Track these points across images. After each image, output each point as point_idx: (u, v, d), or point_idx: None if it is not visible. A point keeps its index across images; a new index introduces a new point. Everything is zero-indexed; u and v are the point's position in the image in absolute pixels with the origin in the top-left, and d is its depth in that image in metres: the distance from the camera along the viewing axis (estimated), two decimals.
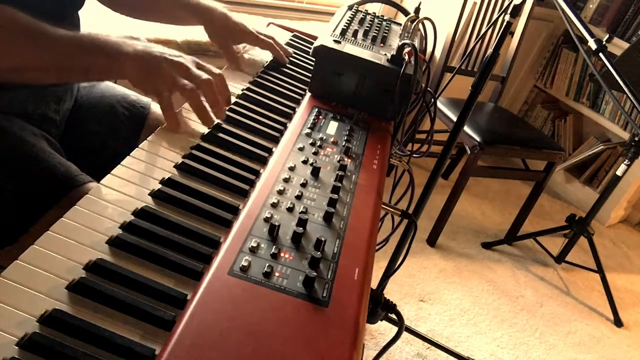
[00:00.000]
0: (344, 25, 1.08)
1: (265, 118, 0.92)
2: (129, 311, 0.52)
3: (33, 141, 0.85)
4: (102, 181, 0.67)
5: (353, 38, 1.03)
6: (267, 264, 0.57)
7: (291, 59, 1.19)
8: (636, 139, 1.95)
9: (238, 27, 1.11)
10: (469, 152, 2.07)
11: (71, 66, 0.77)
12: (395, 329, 0.93)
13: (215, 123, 0.83)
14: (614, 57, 1.98)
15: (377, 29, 1.14)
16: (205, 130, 0.82)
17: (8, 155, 0.81)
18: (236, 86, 1.01)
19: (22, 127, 0.86)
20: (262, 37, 1.13)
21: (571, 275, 2.32)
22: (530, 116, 3.13)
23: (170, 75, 0.78)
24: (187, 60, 0.82)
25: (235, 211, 0.68)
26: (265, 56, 1.17)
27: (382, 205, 0.88)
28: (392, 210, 0.97)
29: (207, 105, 0.80)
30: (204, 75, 0.81)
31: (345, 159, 0.81)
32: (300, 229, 0.62)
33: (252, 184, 0.74)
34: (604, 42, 1.10)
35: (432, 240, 2.19)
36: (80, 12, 0.99)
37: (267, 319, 0.51)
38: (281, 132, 0.88)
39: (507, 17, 1.24)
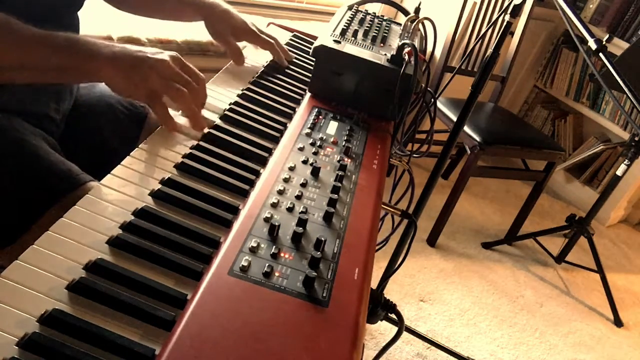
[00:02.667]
0: (344, 25, 1.08)
1: (265, 118, 0.92)
2: (129, 311, 0.52)
3: (33, 140, 0.85)
4: (102, 181, 0.67)
5: (353, 38, 1.03)
6: (267, 264, 0.57)
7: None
8: (636, 139, 1.95)
9: (239, 24, 1.10)
10: (469, 152, 2.07)
11: (44, 66, 0.74)
12: (395, 329, 0.93)
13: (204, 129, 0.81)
14: (614, 57, 1.98)
15: (377, 29, 1.14)
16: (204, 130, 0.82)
17: (8, 155, 0.81)
18: (236, 86, 1.01)
19: (21, 127, 0.86)
20: (263, 36, 1.12)
21: (571, 275, 2.32)
22: (530, 116, 3.13)
23: (158, 77, 0.76)
24: (172, 58, 0.79)
25: (235, 211, 0.68)
26: (261, 60, 1.16)
27: (382, 205, 0.88)
28: (392, 210, 0.97)
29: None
30: (192, 82, 0.79)
31: (345, 159, 0.81)
32: (300, 229, 0.62)
33: (252, 184, 0.74)
34: (604, 42, 1.10)
35: (432, 240, 2.19)
36: (81, 12, 0.99)
37: (267, 319, 0.51)
38: (281, 132, 0.88)
39: (507, 17, 1.24)
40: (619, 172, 2.02)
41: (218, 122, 0.86)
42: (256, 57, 1.17)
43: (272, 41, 1.13)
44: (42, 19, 0.88)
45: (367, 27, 1.13)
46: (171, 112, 0.81)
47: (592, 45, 1.10)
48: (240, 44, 1.17)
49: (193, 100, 0.79)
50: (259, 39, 1.12)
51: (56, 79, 0.78)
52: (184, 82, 0.78)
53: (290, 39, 1.33)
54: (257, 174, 0.76)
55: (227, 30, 1.09)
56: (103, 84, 1.09)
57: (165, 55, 0.78)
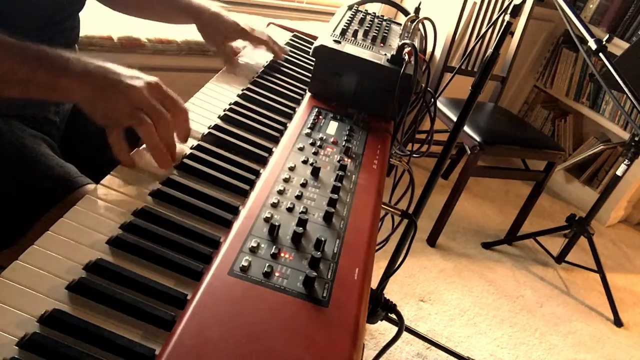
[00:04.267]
0: (344, 25, 1.08)
1: (265, 118, 0.92)
2: (129, 311, 0.52)
3: (32, 143, 0.84)
4: (102, 181, 0.67)
5: (353, 38, 1.03)
6: (267, 264, 0.57)
7: (291, 59, 1.19)
8: (636, 139, 1.95)
9: (230, 25, 1.10)
10: (469, 152, 2.06)
11: (10, 78, 0.67)
12: (395, 329, 0.93)
13: (170, 166, 0.73)
14: (614, 57, 1.98)
15: (377, 29, 1.14)
16: (204, 129, 0.82)
17: (7, 158, 0.81)
18: (236, 86, 1.01)
19: (20, 130, 0.86)
20: (256, 35, 1.12)
21: (571, 275, 2.32)
22: (530, 116, 3.13)
23: (124, 105, 0.69)
24: (147, 85, 0.71)
25: (235, 211, 0.68)
26: (261, 60, 1.17)
27: (382, 205, 0.88)
28: (392, 210, 0.97)
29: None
30: (164, 114, 0.71)
31: (345, 159, 0.81)
32: (300, 229, 0.62)
33: (252, 184, 0.74)
34: (604, 42, 1.10)
35: (432, 240, 2.18)
36: (81, 13, 0.99)
37: (267, 319, 0.51)
38: (281, 132, 0.88)
39: (507, 17, 1.23)
40: (619, 172, 2.02)
41: (218, 122, 0.86)
42: (256, 57, 1.17)
43: (265, 38, 1.14)
44: (44, 22, 0.88)
45: (367, 27, 1.13)
46: None
47: (592, 45, 1.10)
48: (240, 45, 1.18)
49: (163, 135, 0.70)
50: (251, 37, 1.12)
51: (23, 93, 0.70)
52: (153, 114, 0.70)
53: (290, 39, 1.33)
54: (257, 174, 0.76)
55: (218, 33, 1.09)
56: None
57: (142, 81, 0.71)
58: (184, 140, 0.76)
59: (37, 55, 0.69)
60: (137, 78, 0.71)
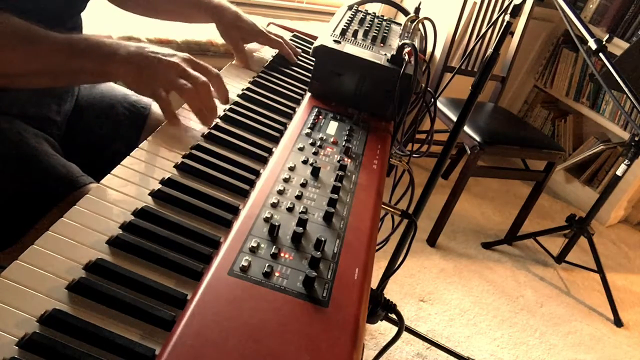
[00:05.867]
0: (344, 25, 1.08)
1: (265, 118, 0.92)
2: (129, 311, 0.52)
3: (34, 142, 0.85)
4: (102, 181, 0.67)
5: (353, 38, 1.03)
6: (267, 264, 0.57)
7: None
8: (636, 139, 1.95)
9: (249, 26, 1.13)
10: (469, 152, 2.07)
11: (63, 70, 0.77)
12: (395, 329, 0.93)
13: (214, 123, 0.83)
14: (614, 57, 1.98)
15: (377, 29, 1.14)
16: (204, 128, 0.83)
17: (9, 157, 0.81)
18: (236, 86, 1.01)
19: (23, 129, 0.86)
20: (272, 36, 1.16)
21: (571, 275, 2.32)
22: (530, 116, 3.13)
23: (166, 76, 0.79)
24: (182, 59, 0.82)
25: (235, 211, 0.68)
26: (270, 55, 1.18)
27: (382, 205, 0.88)
28: (392, 210, 0.97)
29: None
30: (201, 78, 0.81)
31: (345, 159, 0.81)
32: (300, 229, 0.62)
33: (252, 184, 0.74)
34: (604, 42, 1.10)
35: (432, 240, 2.19)
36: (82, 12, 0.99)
37: (267, 319, 0.51)
38: (281, 132, 0.88)
39: (507, 17, 1.23)
40: (619, 172, 2.02)
41: (218, 122, 0.86)
42: (264, 55, 1.17)
43: (281, 41, 1.17)
44: (47, 23, 0.88)
45: (367, 27, 1.13)
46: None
47: (592, 45, 1.10)
48: (256, 47, 1.19)
49: (204, 96, 0.81)
50: (268, 40, 1.16)
51: (72, 81, 0.80)
52: (192, 80, 0.80)
53: (290, 39, 1.32)
54: (257, 174, 0.76)
55: (237, 34, 1.12)
56: (105, 84, 1.10)
57: (177, 56, 0.81)
58: (225, 101, 0.88)
59: (85, 45, 0.76)
60: (172, 54, 0.81)
